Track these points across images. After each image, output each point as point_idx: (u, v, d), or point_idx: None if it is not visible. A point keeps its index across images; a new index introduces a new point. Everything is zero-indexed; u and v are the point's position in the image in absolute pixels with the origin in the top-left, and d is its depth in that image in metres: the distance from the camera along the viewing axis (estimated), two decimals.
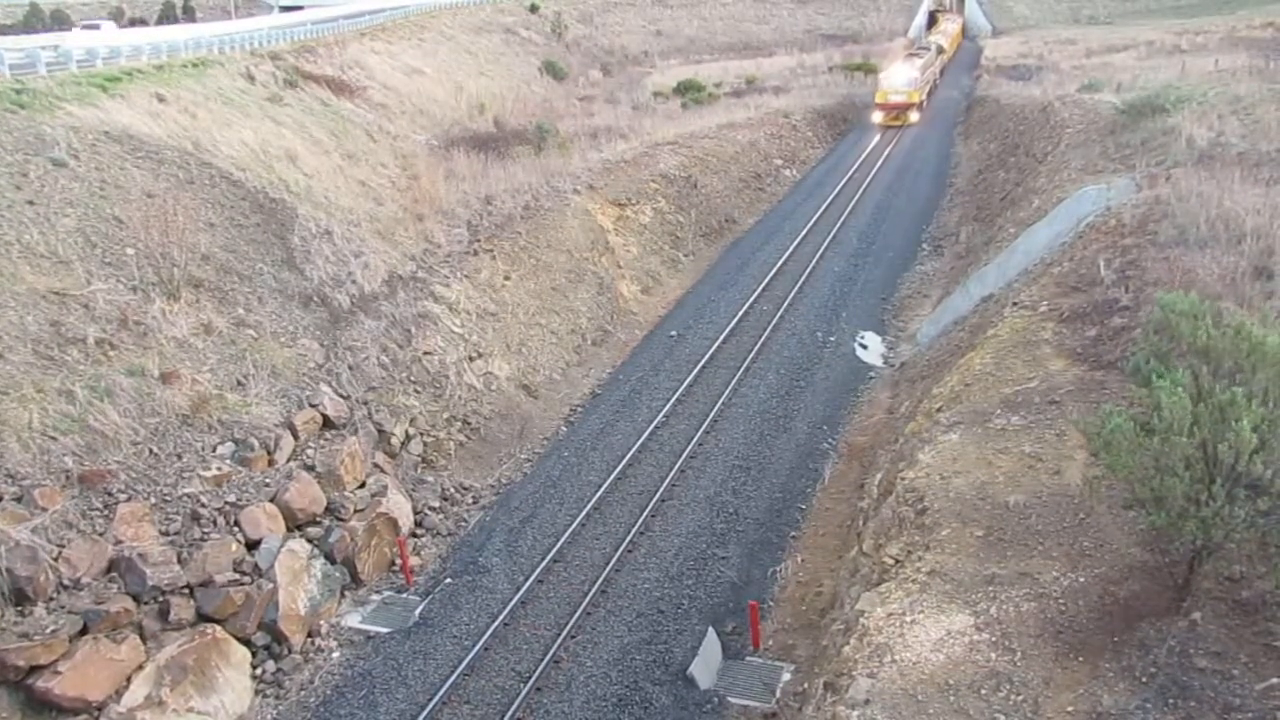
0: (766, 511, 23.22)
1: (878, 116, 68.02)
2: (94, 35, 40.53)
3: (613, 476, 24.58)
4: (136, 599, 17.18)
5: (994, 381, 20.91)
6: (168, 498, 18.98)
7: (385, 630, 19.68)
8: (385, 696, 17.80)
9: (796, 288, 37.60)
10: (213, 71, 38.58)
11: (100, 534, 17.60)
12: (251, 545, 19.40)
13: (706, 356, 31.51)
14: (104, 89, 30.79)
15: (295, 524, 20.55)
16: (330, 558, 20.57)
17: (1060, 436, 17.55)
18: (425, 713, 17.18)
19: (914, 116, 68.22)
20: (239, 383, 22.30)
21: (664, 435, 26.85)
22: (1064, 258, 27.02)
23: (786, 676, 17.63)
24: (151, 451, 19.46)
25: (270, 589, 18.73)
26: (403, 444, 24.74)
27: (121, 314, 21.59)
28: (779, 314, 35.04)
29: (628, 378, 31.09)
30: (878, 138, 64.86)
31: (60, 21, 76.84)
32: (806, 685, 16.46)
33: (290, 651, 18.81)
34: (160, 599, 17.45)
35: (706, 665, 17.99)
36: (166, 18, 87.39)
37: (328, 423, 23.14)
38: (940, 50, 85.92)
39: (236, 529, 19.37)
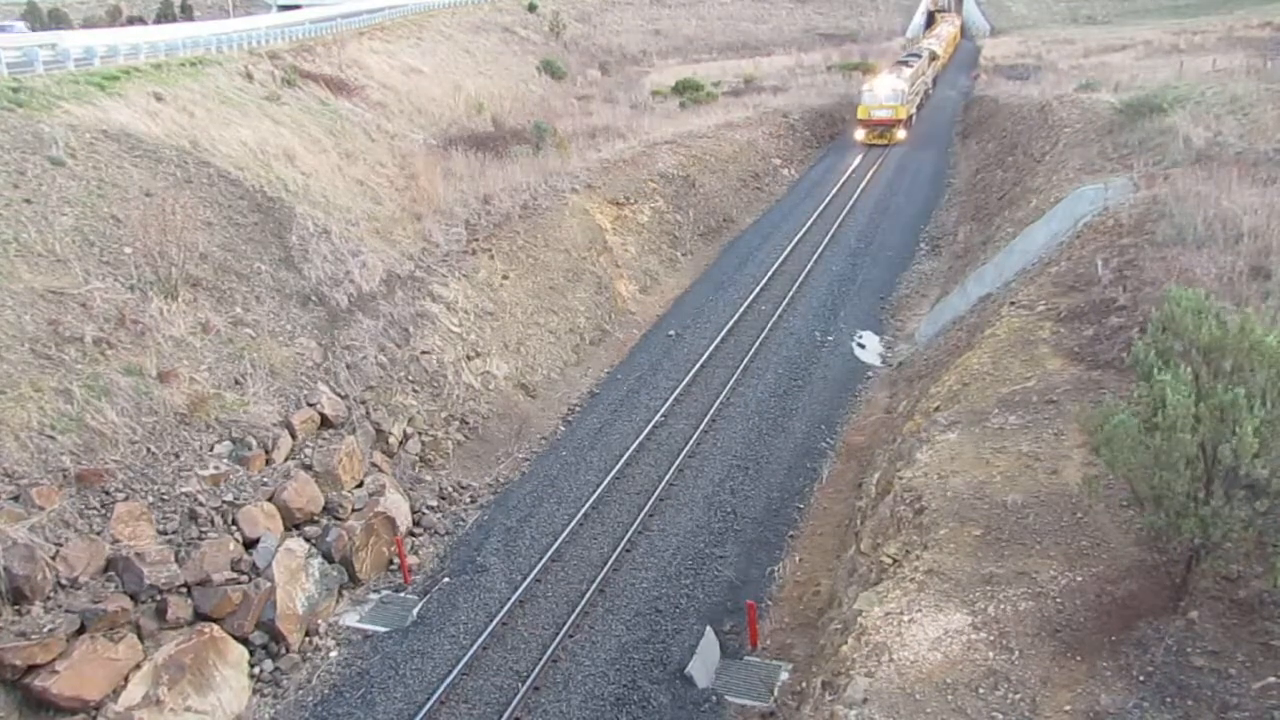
0: (764, 511, 23.23)
1: (859, 134, 62.98)
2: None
3: (611, 476, 24.58)
4: (134, 598, 17.16)
5: (992, 381, 20.92)
6: (165, 497, 18.96)
7: (383, 629, 19.68)
8: (383, 696, 17.79)
9: (795, 287, 37.61)
10: (211, 70, 38.51)
11: (97, 533, 17.58)
12: (249, 544, 19.39)
13: (705, 356, 31.52)
14: (102, 88, 30.73)
15: (293, 523, 20.56)
16: (328, 557, 20.56)
17: (1058, 436, 17.57)
18: (423, 712, 17.18)
19: (901, 135, 62.75)
20: (237, 382, 22.28)
21: (662, 435, 26.86)
22: (1062, 257, 27.04)
23: (784, 676, 17.64)
24: (149, 450, 19.44)
25: (268, 588, 18.72)
26: (401, 443, 24.73)
27: (119, 313, 21.56)
28: (777, 313, 35.05)
29: (626, 377, 31.09)
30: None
31: (59, 20, 76.83)
32: (804, 684, 16.46)
33: (288, 650, 18.80)
34: (158, 598, 17.43)
35: (704, 664, 17.99)
36: (164, 16, 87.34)
37: (326, 422, 23.13)
38: (933, 57, 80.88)
39: (234, 528, 19.36)
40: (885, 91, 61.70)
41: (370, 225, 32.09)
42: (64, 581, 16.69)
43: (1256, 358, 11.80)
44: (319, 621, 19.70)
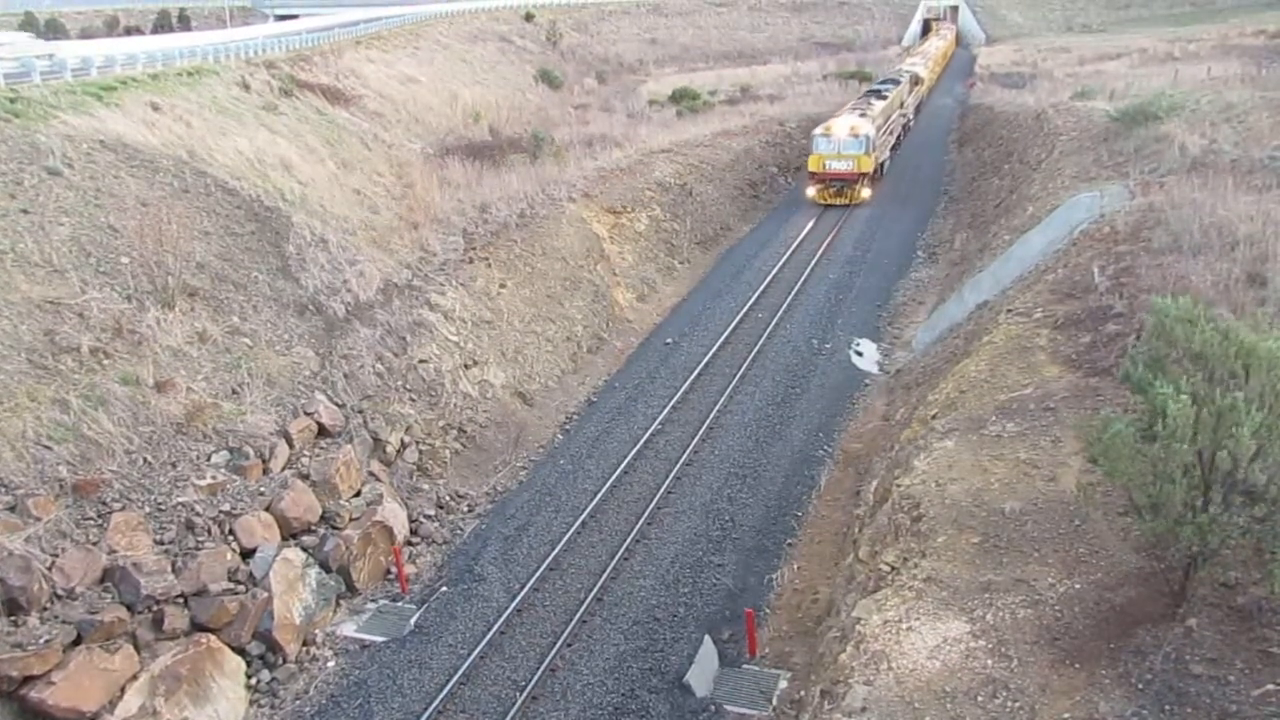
0: (762, 519, 23.20)
1: (811, 191, 50.69)
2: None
3: (609, 484, 24.55)
4: (130, 608, 17.13)
5: (989, 388, 20.93)
6: (162, 507, 18.94)
7: (380, 639, 19.62)
8: (381, 706, 17.73)
9: (791, 295, 37.64)
10: (208, 80, 38.58)
11: (94, 543, 17.54)
12: (246, 554, 19.36)
13: (702, 364, 31.52)
14: (99, 98, 30.78)
15: (290, 532, 20.52)
16: (325, 566, 20.51)
17: (1055, 443, 17.56)
18: None
19: (865, 193, 50.12)
20: (234, 391, 22.25)
21: (660, 443, 26.83)
22: (1058, 265, 27.09)
23: (783, 684, 17.60)
24: (146, 460, 19.41)
25: (265, 598, 18.67)
26: (398, 452, 24.70)
27: (116, 323, 21.55)
28: (774, 321, 35.07)
29: (623, 385, 31.07)
30: None
31: (55, 30, 76.95)
32: (803, 693, 16.44)
33: (285, 661, 18.75)
34: (154, 608, 17.39)
35: (703, 673, 17.95)
36: (162, 26, 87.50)
37: (323, 431, 23.11)
38: (915, 81, 69.51)
39: (231, 538, 19.32)
40: (844, 135, 49.02)
41: (367, 234, 32.11)
42: (60, 592, 16.64)
43: (1253, 363, 11.82)
44: (316, 631, 19.64)
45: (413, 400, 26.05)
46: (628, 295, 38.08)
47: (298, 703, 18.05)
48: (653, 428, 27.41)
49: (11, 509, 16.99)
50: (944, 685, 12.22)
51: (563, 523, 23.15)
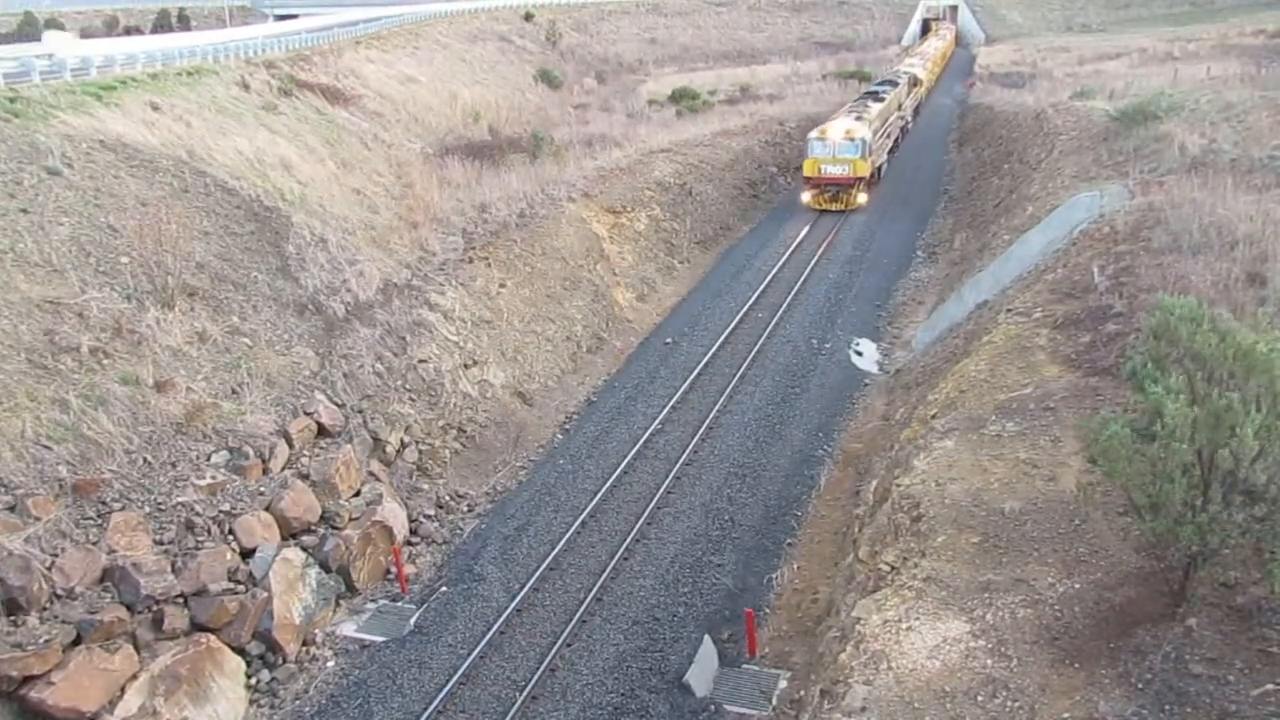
0: (762, 518, 23.20)
1: (806, 196, 49.51)
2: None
3: (608, 484, 24.55)
4: (130, 608, 17.13)
5: (989, 388, 20.93)
6: (162, 506, 18.93)
7: (380, 639, 19.62)
8: (380, 706, 17.74)
9: (791, 294, 37.65)
10: (208, 80, 38.56)
11: (94, 543, 17.54)
12: (246, 554, 19.36)
13: (702, 363, 31.52)
14: (98, 97, 30.76)
15: (290, 532, 20.52)
16: (325, 566, 20.52)
17: (1055, 443, 17.57)
18: None
19: (861, 199, 49.03)
20: (233, 391, 22.25)
21: (660, 442, 26.83)
22: (1058, 264, 27.09)
23: (783, 684, 17.61)
24: (145, 460, 19.40)
25: (265, 598, 18.67)
26: (398, 452, 24.70)
27: (115, 323, 21.54)
28: (774, 321, 35.07)
29: (623, 385, 31.08)
30: None
31: (55, 30, 76.81)
32: (803, 693, 16.44)
33: (285, 660, 18.75)
34: (154, 608, 17.39)
35: (703, 673, 17.95)
36: (161, 26, 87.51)
37: (323, 431, 23.12)
38: (914, 83, 68.18)
39: (231, 538, 19.32)
40: (840, 138, 48.07)
41: (367, 234, 32.10)
42: (60, 592, 16.65)
43: (1250, 363, 11.82)
44: (316, 631, 19.64)
45: (412, 400, 26.05)
46: (627, 295, 38.09)
47: (297, 703, 18.05)
48: (652, 427, 27.42)
49: (11, 509, 16.99)
50: (944, 685, 12.22)
51: (562, 522, 23.15)
